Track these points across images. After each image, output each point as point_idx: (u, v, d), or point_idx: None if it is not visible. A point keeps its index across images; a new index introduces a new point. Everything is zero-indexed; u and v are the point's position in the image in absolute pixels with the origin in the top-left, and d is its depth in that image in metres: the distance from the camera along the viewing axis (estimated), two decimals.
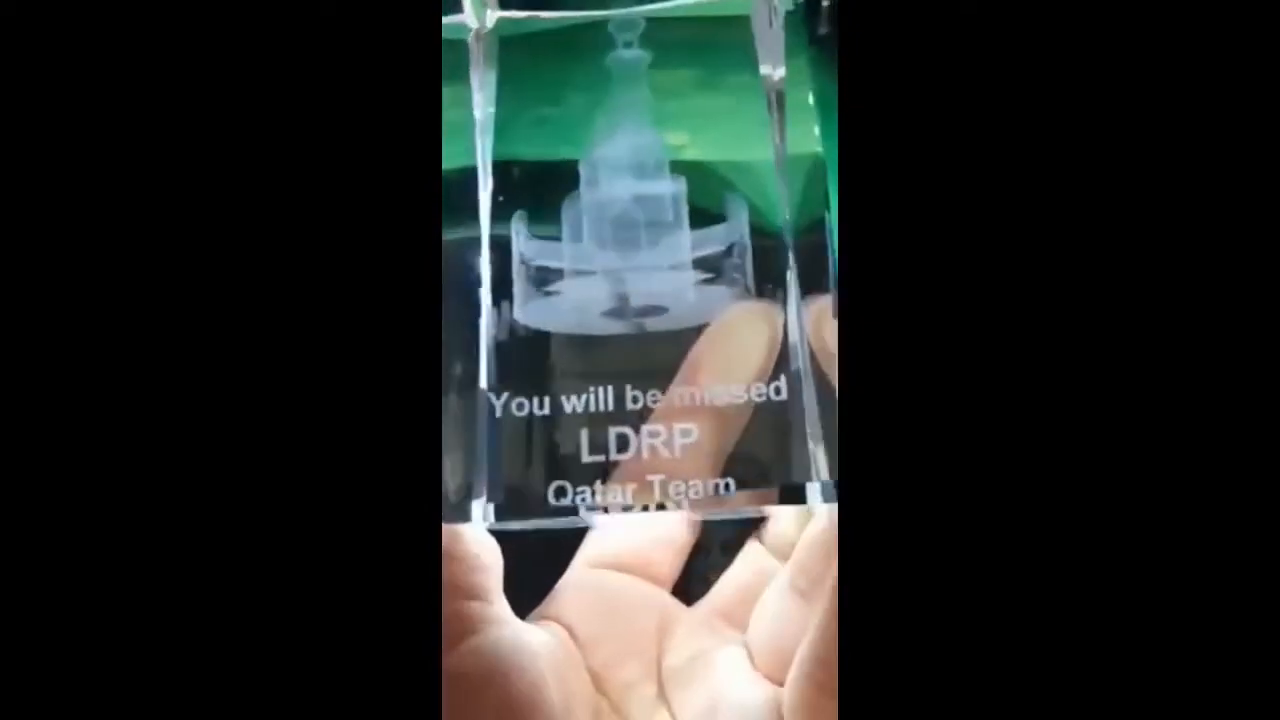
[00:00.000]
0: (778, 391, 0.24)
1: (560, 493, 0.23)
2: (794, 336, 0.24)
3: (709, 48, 0.27)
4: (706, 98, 0.27)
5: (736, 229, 0.25)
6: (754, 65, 0.26)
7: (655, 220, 0.25)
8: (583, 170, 0.25)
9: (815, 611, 0.23)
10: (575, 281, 0.24)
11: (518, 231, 0.25)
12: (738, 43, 0.27)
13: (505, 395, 0.24)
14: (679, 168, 0.25)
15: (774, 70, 0.26)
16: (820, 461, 0.23)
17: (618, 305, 0.24)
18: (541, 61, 0.27)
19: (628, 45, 0.26)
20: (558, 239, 0.25)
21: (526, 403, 0.24)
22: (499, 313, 0.24)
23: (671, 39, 0.27)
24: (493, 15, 0.27)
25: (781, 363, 0.24)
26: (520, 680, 0.23)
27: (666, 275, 0.24)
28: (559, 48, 0.27)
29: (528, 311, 0.24)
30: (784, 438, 0.24)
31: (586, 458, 0.23)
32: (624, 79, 0.26)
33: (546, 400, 0.24)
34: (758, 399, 0.24)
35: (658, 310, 0.24)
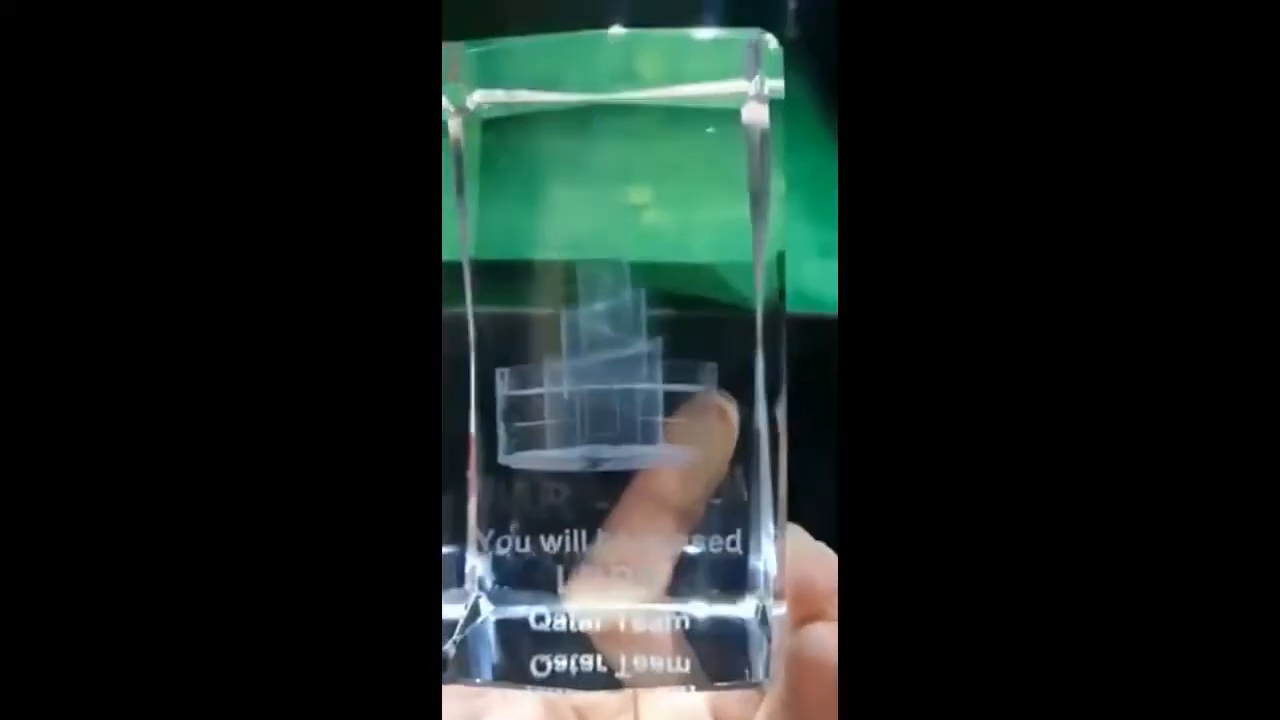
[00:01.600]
0: (733, 544, 0.27)
1: (540, 619, 0.27)
2: (758, 426, 0.27)
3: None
4: (677, 141, 0.27)
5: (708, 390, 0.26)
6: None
7: (630, 382, 0.26)
8: (564, 331, 0.26)
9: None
10: (554, 441, 0.26)
11: (501, 375, 0.26)
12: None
13: (491, 532, 0.27)
14: (642, 232, 0.26)
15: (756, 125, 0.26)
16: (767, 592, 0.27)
17: (591, 465, 0.26)
18: (523, 146, 0.27)
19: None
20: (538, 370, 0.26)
21: (510, 539, 0.27)
22: (483, 451, 0.27)
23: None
24: (473, 97, 0.27)
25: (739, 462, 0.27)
26: None
27: (637, 440, 0.26)
28: (541, 131, 0.27)
29: (511, 458, 0.27)
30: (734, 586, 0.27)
31: (561, 589, 0.27)
32: None
33: (527, 539, 0.27)
34: (715, 550, 0.27)
35: (629, 466, 0.26)
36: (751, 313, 0.26)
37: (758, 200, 0.26)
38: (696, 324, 0.26)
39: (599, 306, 0.26)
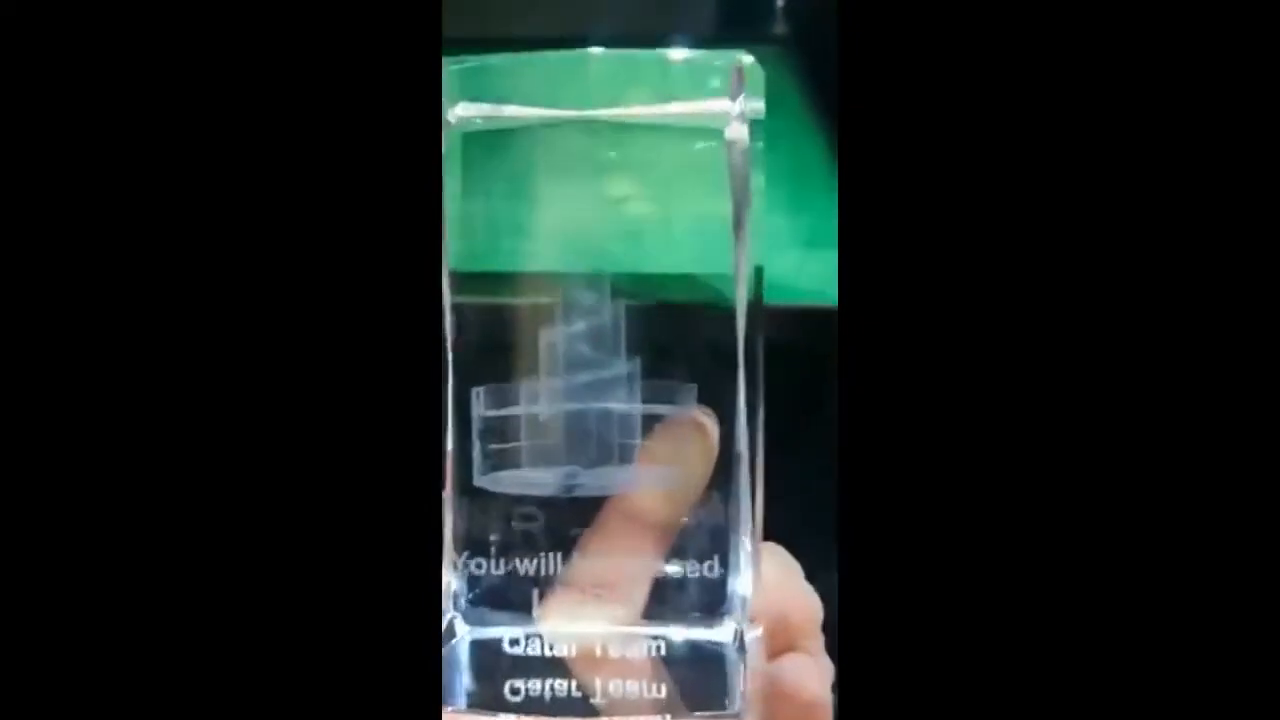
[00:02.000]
0: (710, 569, 0.26)
1: (514, 642, 0.27)
2: (739, 446, 0.26)
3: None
4: (660, 140, 0.26)
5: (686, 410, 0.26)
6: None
7: (608, 403, 0.26)
8: (543, 351, 0.26)
9: None
10: (530, 462, 0.26)
11: (477, 395, 0.26)
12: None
13: (466, 553, 0.26)
14: (629, 230, 0.26)
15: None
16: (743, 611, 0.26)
17: (567, 488, 0.26)
18: (505, 158, 0.26)
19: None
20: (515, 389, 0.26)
21: (485, 562, 0.26)
22: (459, 470, 0.26)
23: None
24: (456, 111, 0.26)
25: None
26: None
27: (614, 461, 0.26)
28: (524, 144, 0.26)
29: (485, 479, 0.26)
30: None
31: (536, 613, 0.27)
32: None
33: (501, 562, 0.26)
34: (693, 574, 0.26)
35: (605, 492, 0.26)
36: (732, 324, 0.26)
37: (739, 215, 0.26)
38: (677, 343, 0.26)
39: (579, 327, 0.25)
